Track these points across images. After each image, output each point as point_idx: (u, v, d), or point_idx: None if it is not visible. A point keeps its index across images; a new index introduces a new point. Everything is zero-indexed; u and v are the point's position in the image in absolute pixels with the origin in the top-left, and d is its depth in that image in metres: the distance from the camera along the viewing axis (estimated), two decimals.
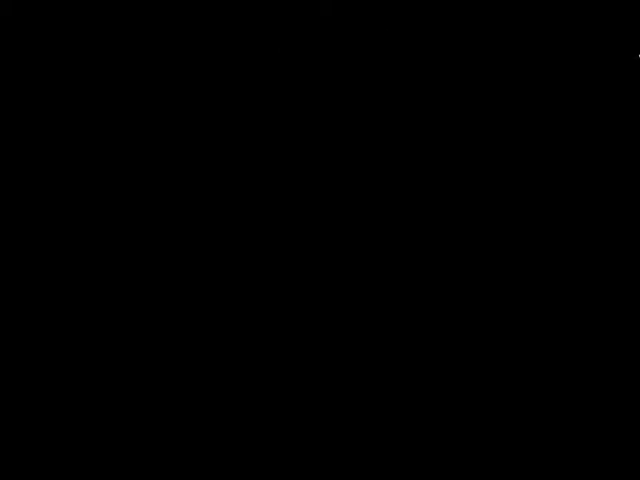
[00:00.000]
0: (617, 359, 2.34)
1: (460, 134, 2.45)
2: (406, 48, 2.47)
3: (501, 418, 2.32)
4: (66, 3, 2.45)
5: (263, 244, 2.41)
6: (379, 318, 2.37)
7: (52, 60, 2.45)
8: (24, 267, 2.37)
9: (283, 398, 2.33)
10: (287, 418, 2.32)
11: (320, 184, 2.44)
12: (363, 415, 2.32)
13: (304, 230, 2.41)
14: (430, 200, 2.43)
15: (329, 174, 2.44)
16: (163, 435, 2.30)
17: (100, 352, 2.34)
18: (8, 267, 2.37)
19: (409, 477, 2.29)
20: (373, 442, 2.31)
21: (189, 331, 2.36)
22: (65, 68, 2.45)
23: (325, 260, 2.40)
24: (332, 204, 2.43)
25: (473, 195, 2.43)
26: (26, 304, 2.35)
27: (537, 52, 2.46)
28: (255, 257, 2.40)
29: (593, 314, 2.37)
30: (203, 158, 2.44)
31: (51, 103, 2.44)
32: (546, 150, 2.44)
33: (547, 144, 2.45)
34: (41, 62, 2.45)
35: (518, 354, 2.35)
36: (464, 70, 2.47)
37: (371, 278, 2.40)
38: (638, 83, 2.45)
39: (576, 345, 2.35)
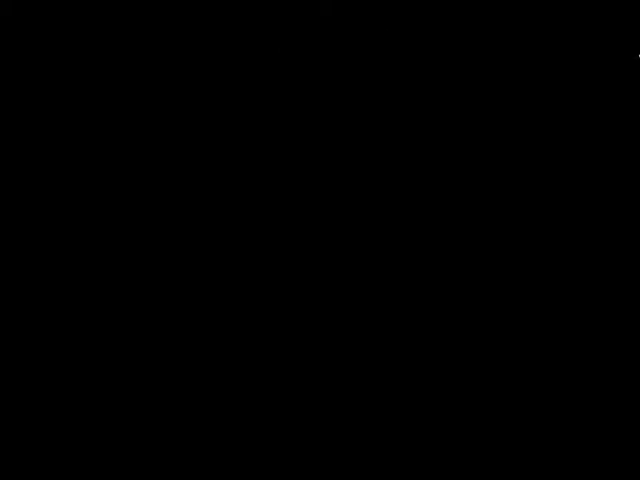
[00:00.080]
0: (617, 359, 2.34)
1: (460, 134, 2.45)
2: (406, 48, 2.47)
3: (501, 418, 2.32)
4: (66, 3, 2.45)
5: (263, 244, 2.41)
6: (379, 318, 2.38)
7: (52, 60, 2.45)
8: (24, 267, 2.37)
9: (283, 398, 2.33)
10: (287, 418, 2.32)
11: (320, 184, 2.44)
12: (363, 415, 2.32)
13: (304, 230, 2.41)
14: (430, 200, 2.43)
15: (329, 174, 2.44)
16: (163, 435, 2.30)
17: (100, 352, 2.34)
18: (8, 267, 2.37)
19: (409, 477, 2.29)
20: (373, 442, 2.31)
21: (189, 330, 2.36)
22: (65, 68, 2.45)
23: (325, 260, 2.40)
24: (332, 204, 2.43)
25: (473, 195, 2.43)
26: (26, 304, 2.35)
27: (537, 52, 2.46)
28: (255, 257, 2.40)
29: (593, 314, 2.37)
30: (203, 158, 2.44)
31: (51, 103, 2.44)
32: (546, 150, 2.44)
33: (547, 144, 2.45)
34: (41, 62, 2.45)
35: (518, 354, 2.35)
36: (464, 70, 2.47)
37: (371, 278, 2.40)
38: (638, 83, 2.45)
39: (576, 345, 2.36)
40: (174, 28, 2.46)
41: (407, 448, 2.30)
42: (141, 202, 2.41)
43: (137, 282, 2.38)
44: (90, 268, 2.38)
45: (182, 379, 2.33)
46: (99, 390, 2.32)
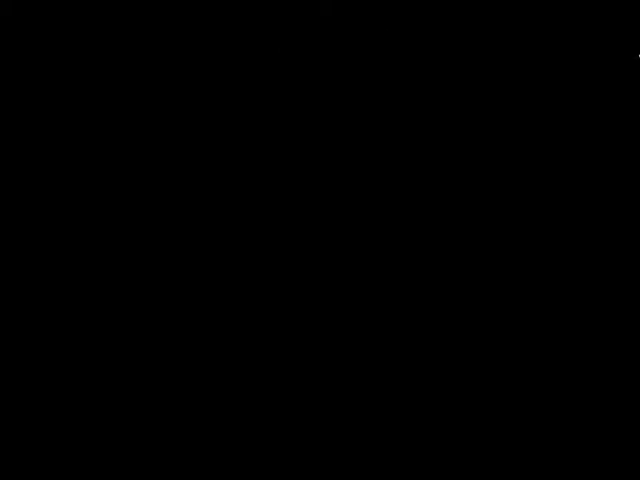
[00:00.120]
0: (617, 359, 2.34)
1: (460, 134, 2.45)
2: (406, 48, 2.47)
3: (501, 418, 2.32)
4: (66, 3, 2.45)
5: (263, 243, 2.41)
6: (379, 318, 2.38)
7: (52, 60, 2.45)
8: (24, 267, 2.37)
9: (283, 398, 2.33)
10: (287, 418, 2.32)
11: (320, 184, 2.44)
12: (363, 415, 2.32)
13: (304, 230, 2.41)
14: (430, 200, 2.43)
15: (329, 174, 2.44)
16: (163, 435, 2.30)
17: (100, 352, 2.34)
18: (8, 267, 2.37)
19: (409, 477, 2.29)
20: (373, 442, 2.31)
21: (189, 330, 2.36)
22: (65, 68, 2.45)
23: (325, 260, 2.40)
24: (332, 204, 2.43)
25: (473, 195, 2.43)
26: (26, 304, 2.35)
27: (537, 52, 2.46)
28: (255, 257, 2.40)
29: (593, 314, 2.37)
30: (203, 158, 2.44)
31: (51, 103, 2.44)
32: (546, 150, 2.44)
33: (547, 144, 2.45)
34: (41, 62, 2.45)
35: (518, 354, 2.35)
36: (464, 70, 2.47)
37: (371, 278, 2.40)
38: (638, 83, 2.45)
39: (576, 345, 2.36)
40: (174, 28, 2.46)
41: (407, 448, 2.30)
42: (141, 202, 2.41)
43: (137, 281, 2.38)
44: (90, 268, 2.38)
45: (182, 379, 2.33)
46: (99, 390, 2.32)
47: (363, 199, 2.43)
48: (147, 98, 2.44)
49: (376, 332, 2.37)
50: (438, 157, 2.45)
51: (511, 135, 2.45)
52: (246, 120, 2.45)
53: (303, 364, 2.35)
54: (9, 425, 2.29)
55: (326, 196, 2.43)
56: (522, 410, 2.32)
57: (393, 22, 2.47)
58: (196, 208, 2.42)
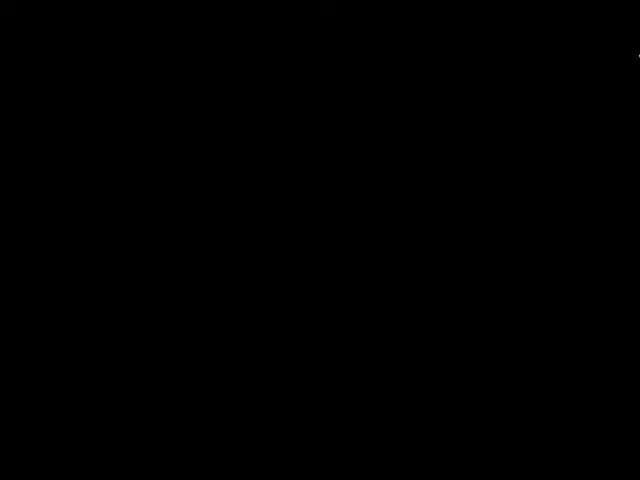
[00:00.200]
0: (617, 359, 2.34)
1: (460, 134, 2.45)
2: (406, 48, 2.47)
3: (501, 418, 2.32)
4: (66, 3, 2.45)
5: (263, 244, 2.41)
6: (379, 318, 2.37)
7: (52, 60, 2.45)
8: (24, 267, 2.37)
9: (283, 398, 2.33)
10: (287, 418, 2.32)
11: (320, 184, 2.44)
12: (363, 415, 2.32)
13: (304, 230, 2.41)
14: (430, 200, 2.43)
15: (329, 174, 2.44)
16: (163, 435, 2.30)
17: (100, 352, 2.34)
18: (8, 267, 2.37)
19: (409, 477, 2.29)
20: (373, 442, 2.31)
21: (189, 331, 2.36)
22: (65, 68, 2.45)
23: (325, 260, 2.40)
24: (332, 204, 2.43)
25: (473, 195, 2.43)
26: (26, 304, 2.35)
27: (537, 52, 2.46)
28: (255, 257, 2.40)
29: (593, 314, 2.37)
30: (203, 158, 2.44)
31: (51, 103, 2.44)
32: (546, 150, 2.44)
33: (547, 144, 2.45)
34: (41, 62, 2.45)
35: (518, 354, 2.35)
36: (464, 70, 2.47)
37: (371, 278, 2.40)
38: (638, 83, 2.45)
39: (576, 345, 2.36)
40: (174, 28, 2.46)
41: (407, 448, 2.30)
42: (141, 201, 2.41)
43: (137, 281, 2.38)
44: (90, 268, 2.38)
45: (182, 379, 2.33)
46: (99, 390, 2.32)
47: (363, 199, 2.43)
48: (147, 98, 2.44)
49: (376, 332, 2.37)
50: (438, 157, 2.45)
51: (511, 135, 2.45)
52: (246, 120, 2.45)
53: (303, 364, 2.35)
54: (9, 425, 2.29)
55: (326, 196, 2.43)
56: (522, 410, 2.32)
57: (393, 22, 2.47)
58: (196, 208, 2.42)
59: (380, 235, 2.41)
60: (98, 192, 2.41)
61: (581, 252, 2.41)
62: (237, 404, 2.33)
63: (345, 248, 2.41)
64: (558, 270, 2.39)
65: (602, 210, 2.41)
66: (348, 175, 2.44)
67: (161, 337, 2.35)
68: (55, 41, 2.45)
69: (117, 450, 2.29)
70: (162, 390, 2.33)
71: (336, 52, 2.47)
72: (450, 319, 2.37)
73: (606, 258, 2.39)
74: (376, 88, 2.47)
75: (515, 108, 2.46)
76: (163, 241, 2.40)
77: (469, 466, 2.30)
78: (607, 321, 2.36)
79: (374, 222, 2.42)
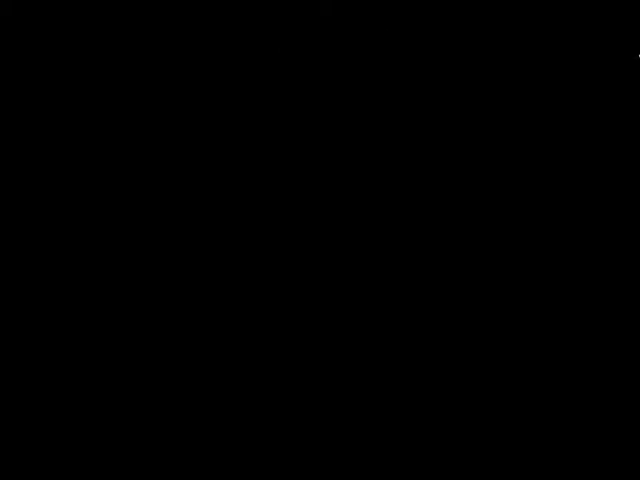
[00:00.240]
0: (617, 359, 2.34)
1: (460, 134, 2.45)
2: (406, 48, 2.47)
3: (501, 418, 2.32)
4: (66, 3, 2.45)
5: (263, 244, 2.41)
6: (379, 318, 2.37)
7: (52, 60, 2.45)
8: (24, 267, 2.37)
9: (283, 398, 2.33)
10: (287, 418, 2.32)
11: (320, 184, 2.44)
12: (363, 415, 2.32)
13: (304, 230, 2.41)
14: (430, 200, 2.43)
15: (329, 174, 2.44)
16: (163, 435, 2.30)
17: (100, 352, 2.34)
18: (8, 267, 2.37)
19: (409, 477, 2.29)
20: (373, 442, 2.31)
21: (189, 331, 2.36)
22: (65, 68, 2.45)
23: (325, 260, 2.40)
24: (332, 204, 2.43)
25: (473, 195, 2.43)
26: (26, 304, 2.35)
27: (537, 52, 2.46)
28: (255, 257, 2.40)
29: (593, 314, 2.37)
30: (203, 158, 2.44)
31: (51, 103, 2.44)
32: (546, 150, 2.44)
33: (547, 144, 2.45)
34: (41, 62, 2.45)
35: (518, 354, 2.35)
36: (464, 70, 2.47)
37: (371, 278, 2.40)
38: (638, 83, 2.45)
39: (576, 345, 2.36)
40: (174, 28, 2.46)
41: (407, 448, 2.30)
42: (141, 202, 2.41)
43: (137, 281, 2.38)
44: (90, 268, 2.38)
45: (182, 379, 2.33)
46: (99, 390, 2.32)
47: (363, 199, 2.43)
48: (147, 98, 2.44)
49: (376, 332, 2.37)
50: (438, 157, 2.45)
51: (511, 135, 2.45)
52: (246, 120, 2.45)
53: (303, 364, 2.35)
54: (9, 425, 2.29)
55: (326, 196, 2.43)
56: (522, 410, 2.32)
57: (393, 22, 2.47)
58: (196, 208, 2.42)
59: (380, 235, 2.41)
60: (98, 192, 2.41)
61: (581, 252, 2.41)
62: (237, 404, 2.33)
63: (345, 247, 2.41)
64: (558, 270, 2.39)
65: (602, 210, 2.41)
66: (348, 175, 2.44)
67: (161, 336, 2.35)
68: (55, 41, 2.45)
69: (117, 450, 2.29)
70: (162, 390, 2.33)
71: (336, 52, 2.47)
72: (450, 319, 2.37)
73: (606, 258, 2.39)
74: (376, 88, 2.47)
75: (515, 108, 2.46)
76: (163, 240, 2.40)
77: (469, 466, 2.30)
78: (607, 321, 2.36)
79: (374, 222, 2.42)
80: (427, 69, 2.47)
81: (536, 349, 2.36)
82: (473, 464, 2.29)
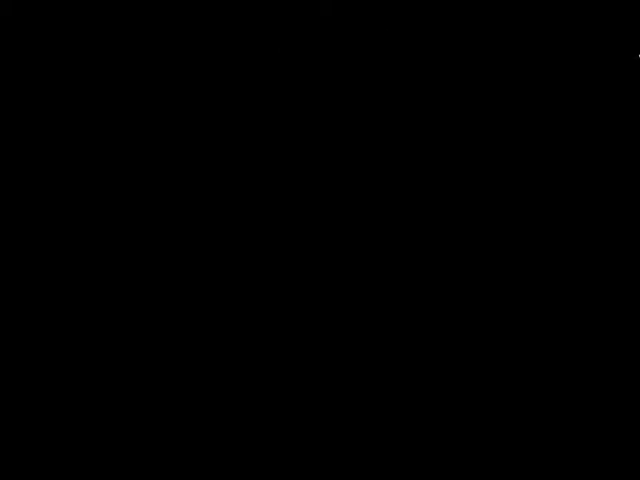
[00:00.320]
0: (617, 359, 2.34)
1: (460, 134, 2.45)
2: (406, 48, 2.47)
3: (501, 418, 2.32)
4: (66, 3, 2.45)
5: (263, 244, 2.41)
6: (379, 318, 2.38)
7: (52, 60, 2.45)
8: (24, 267, 2.37)
9: (283, 398, 2.33)
10: (287, 418, 2.32)
11: (320, 184, 2.44)
12: (363, 415, 2.32)
13: (304, 230, 2.41)
14: (430, 200, 2.43)
15: (329, 174, 2.44)
16: (163, 435, 2.30)
17: (100, 352, 2.34)
18: (8, 267, 2.37)
19: (409, 477, 2.29)
20: (373, 442, 2.31)
21: (189, 331, 2.36)
22: (65, 68, 2.45)
23: (325, 260, 2.40)
24: (332, 204, 2.43)
25: (473, 195, 2.43)
26: (26, 305, 2.35)
27: (537, 52, 2.46)
28: (255, 257, 2.40)
29: (593, 314, 2.37)
30: (203, 158, 2.44)
31: (51, 103, 2.44)
32: (546, 150, 2.44)
33: (547, 144, 2.45)
34: (41, 62, 2.45)
35: (518, 354, 2.35)
36: (464, 70, 2.47)
37: (371, 278, 2.40)
38: (638, 83, 2.45)
39: (576, 345, 2.36)
40: (174, 28, 2.46)
41: (407, 448, 2.30)
42: (141, 202, 2.41)
43: (137, 282, 2.38)
44: (90, 268, 2.38)
45: (182, 379, 2.34)
46: (99, 390, 2.32)
47: (363, 199, 2.43)
48: (147, 98, 2.44)
49: (376, 332, 2.37)
50: (438, 157, 2.45)
51: (511, 135, 2.45)
52: (246, 120, 2.45)
53: (303, 364, 2.35)
54: (9, 425, 2.29)
55: (326, 196, 2.43)
56: (522, 410, 2.32)
57: (393, 22, 2.47)
58: (196, 208, 2.42)
59: (380, 235, 2.41)
60: (98, 192, 2.41)
61: (581, 252, 2.41)
62: (237, 403, 2.33)
63: (345, 247, 2.41)
64: (558, 269, 2.39)
65: (602, 210, 2.41)
66: (348, 175, 2.44)
67: (161, 336, 2.35)
68: (55, 41, 2.45)
69: (117, 450, 2.29)
70: (162, 390, 2.33)
71: (336, 52, 2.47)
72: (450, 319, 2.37)
73: (606, 258, 2.39)
74: (376, 88, 2.47)
75: (515, 108, 2.46)
76: (163, 240, 2.40)
77: (469, 466, 2.30)
78: (607, 321, 2.36)
79: (374, 221, 2.42)
80: (427, 69, 2.47)
81: (536, 349, 2.36)
82: (473, 464, 2.30)
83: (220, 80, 2.46)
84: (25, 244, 2.38)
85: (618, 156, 2.43)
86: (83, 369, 2.33)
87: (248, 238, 2.41)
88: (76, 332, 2.34)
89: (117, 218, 2.40)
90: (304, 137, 2.45)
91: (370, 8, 2.47)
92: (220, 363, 2.35)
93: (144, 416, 2.31)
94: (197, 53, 2.46)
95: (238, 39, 2.47)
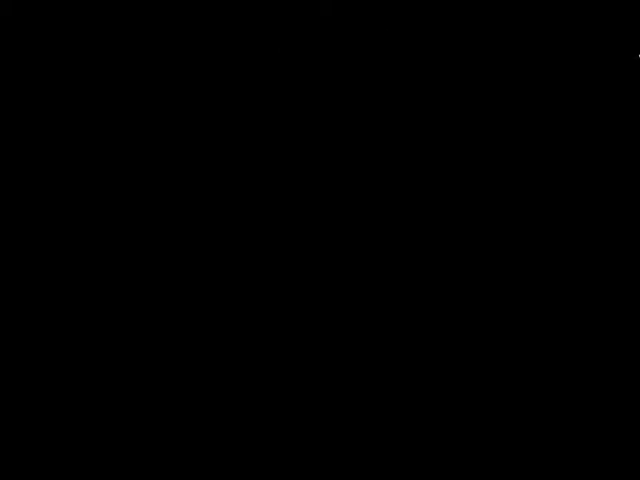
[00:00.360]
0: (617, 359, 2.34)
1: (460, 134, 2.45)
2: (406, 48, 2.47)
3: (501, 418, 2.32)
4: (66, 3, 2.46)
5: (263, 244, 2.41)
6: (379, 318, 2.38)
7: (52, 60, 2.45)
8: (24, 267, 2.37)
9: (283, 398, 2.33)
10: (287, 418, 2.32)
11: (320, 184, 2.44)
12: (363, 415, 2.32)
13: (304, 230, 2.41)
14: (430, 200, 2.43)
15: (329, 174, 2.44)
16: (163, 435, 2.30)
17: (100, 352, 2.34)
18: (8, 267, 2.37)
19: (409, 477, 2.29)
20: (373, 442, 2.31)
21: (189, 331, 2.36)
22: (65, 68, 2.45)
23: (325, 260, 2.40)
24: (332, 204, 2.43)
25: (473, 195, 2.43)
26: (26, 305, 2.35)
27: (537, 52, 2.46)
28: (255, 257, 2.40)
29: (593, 314, 2.37)
30: (203, 158, 2.44)
31: (51, 103, 2.44)
32: (546, 150, 2.44)
33: (547, 144, 2.45)
34: (41, 62, 2.45)
35: (518, 354, 2.35)
36: (464, 70, 2.47)
37: (371, 278, 2.40)
38: (638, 83, 2.45)
39: (576, 345, 2.36)
40: (174, 28, 2.46)
41: (407, 448, 2.30)
42: (141, 202, 2.41)
43: (137, 282, 2.38)
44: (90, 268, 2.38)
45: (182, 379, 2.34)
46: (99, 390, 2.32)
47: (363, 199, 2.43)
48: (147, 98, 2.44)
49: (376, 332, 2.37)
50: (438, 157, 2.45)
51: (511, 135, 2.45)
52: (246, 120, 2.45)
53: (303, 364, 2.35)
54: (9, 425, 2.29)
55: (326, 196, 2.43)
56: (522, 410, 2.32)
57: (393, 22, 2.48)
58: (196, 208, 2.42)
59: (380, 235, 2.41)
60: (98, 192, 2.42)
61: (581, 252, 2.41)
62: (237, 403, 2.33)
63: (344, 247, 2.41)
64: (558, 270, 2.39)
65: (602, 210, 2.41)
66: (348, 175, 2.44)
67: (161, 336, 2.35)
68: (55, 41, 2.45)
69: (117, 450, 2.29)
70: (162, 389, 2.33)
71: (336, 52, 2.47)
72: (450, 319, 2.37)
73: (606, 258, 2.39)
74: (376, 88, 2.47)
75: (515, 108, 2.46)
76: (163, 240, 2.40)
77: (469, 466, 2.30)
78: (607, 321, 2.36)
79: (374, 221, 2.42)
80: (427, 69, 2.47)
81: (536, 348, 2.36)
82: (473, 464, 2.29)
83: (220, 80, 2.46)
84: (25, 244, 2.38)
85: (618, 156, 2.43)
86: (83, 369, 2.33)
87: (248, 237, 2.41)
88: (76, 332, 2.35)
89: (117, 218, 2.40)
90: (304, 137, 2.45)
91: (370, 8, 2.47)
92: (220, 363, 2.35)
93: (144, 416, 2.31)
94: (197, 53, 2.46)
95: (238, 39, 2.47)
